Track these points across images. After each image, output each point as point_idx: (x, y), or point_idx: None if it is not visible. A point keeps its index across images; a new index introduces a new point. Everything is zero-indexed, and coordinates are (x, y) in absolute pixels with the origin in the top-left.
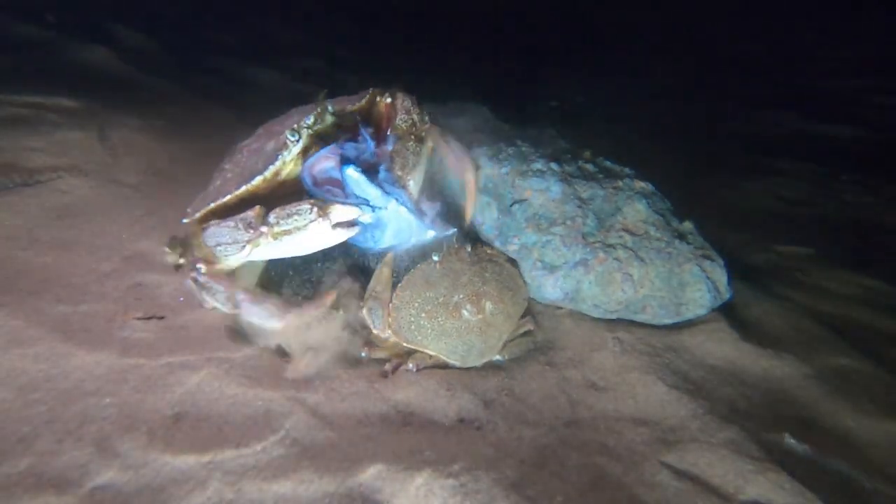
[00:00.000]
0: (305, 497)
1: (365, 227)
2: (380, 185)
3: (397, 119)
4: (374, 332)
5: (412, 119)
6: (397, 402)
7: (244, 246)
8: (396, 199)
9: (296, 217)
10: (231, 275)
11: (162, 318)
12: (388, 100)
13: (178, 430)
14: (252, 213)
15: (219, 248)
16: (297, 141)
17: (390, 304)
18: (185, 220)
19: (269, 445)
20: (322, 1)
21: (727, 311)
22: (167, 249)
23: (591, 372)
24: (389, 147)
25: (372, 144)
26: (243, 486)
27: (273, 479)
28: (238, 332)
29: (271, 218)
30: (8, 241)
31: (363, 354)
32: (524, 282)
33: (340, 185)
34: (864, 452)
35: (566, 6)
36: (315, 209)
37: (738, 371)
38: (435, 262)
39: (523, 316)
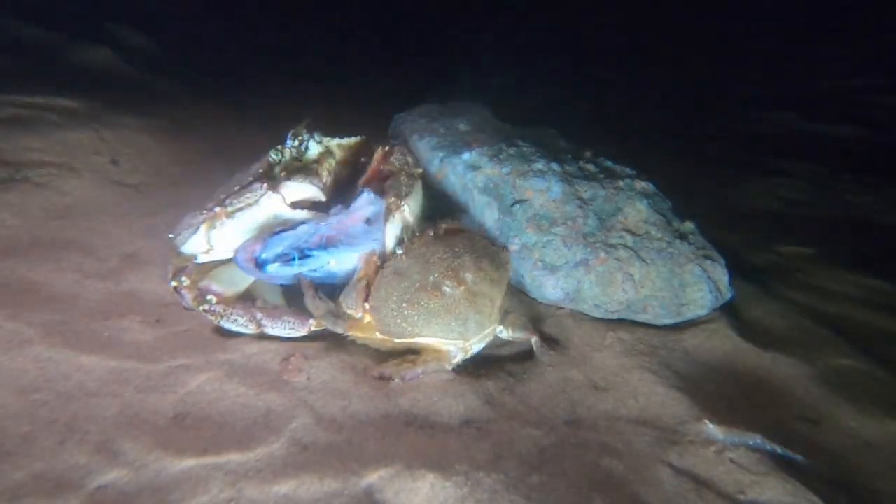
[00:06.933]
0: (307, 498)
1: (320, 274)
2: (309, 254)
3: (392, 157)
4: (345, 309)
5: (406, 160)
6: (400, 403)
7: (199, 227)
8: (332, 252)
9: (247, 194)
10: (238, 296)
11: (162, 320)
12: (385, 148)
13: (179, 431)
14: (210, 203)
15: (179, 237)
16: (280, 161)
17: (367, 305)
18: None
19: (271, 446)
20: (325, 2)
21: (728, 312)
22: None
23: (592, 372)
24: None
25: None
26: (245, 487)
27: (275, 480)
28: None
29: (226, 200)
30: (8, 242)
31: (347, 335)
32: (501, 246)
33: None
34: (865, 452)
35: (568, 6)
36: (265, 185)
37: (739, 371)
38: (400, 255)
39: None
